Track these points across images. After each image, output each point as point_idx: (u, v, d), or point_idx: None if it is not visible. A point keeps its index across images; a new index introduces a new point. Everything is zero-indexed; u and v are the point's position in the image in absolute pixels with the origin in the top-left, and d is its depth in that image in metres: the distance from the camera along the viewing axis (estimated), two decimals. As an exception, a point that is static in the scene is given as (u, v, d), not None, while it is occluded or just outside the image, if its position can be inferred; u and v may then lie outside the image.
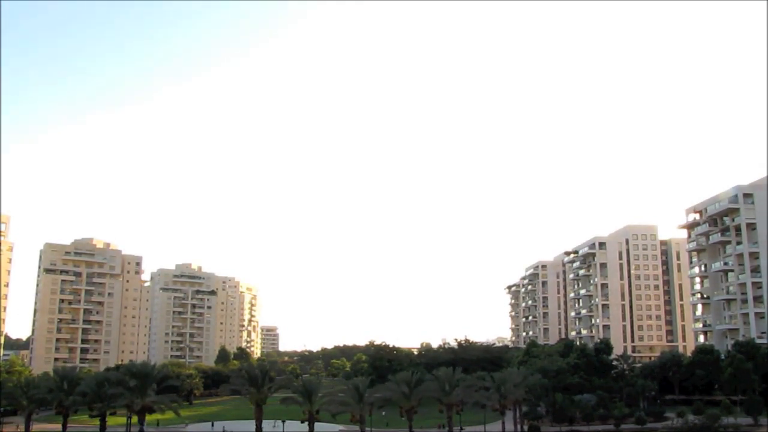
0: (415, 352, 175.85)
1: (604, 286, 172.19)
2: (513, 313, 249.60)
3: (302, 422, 69.42)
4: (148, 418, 74.54)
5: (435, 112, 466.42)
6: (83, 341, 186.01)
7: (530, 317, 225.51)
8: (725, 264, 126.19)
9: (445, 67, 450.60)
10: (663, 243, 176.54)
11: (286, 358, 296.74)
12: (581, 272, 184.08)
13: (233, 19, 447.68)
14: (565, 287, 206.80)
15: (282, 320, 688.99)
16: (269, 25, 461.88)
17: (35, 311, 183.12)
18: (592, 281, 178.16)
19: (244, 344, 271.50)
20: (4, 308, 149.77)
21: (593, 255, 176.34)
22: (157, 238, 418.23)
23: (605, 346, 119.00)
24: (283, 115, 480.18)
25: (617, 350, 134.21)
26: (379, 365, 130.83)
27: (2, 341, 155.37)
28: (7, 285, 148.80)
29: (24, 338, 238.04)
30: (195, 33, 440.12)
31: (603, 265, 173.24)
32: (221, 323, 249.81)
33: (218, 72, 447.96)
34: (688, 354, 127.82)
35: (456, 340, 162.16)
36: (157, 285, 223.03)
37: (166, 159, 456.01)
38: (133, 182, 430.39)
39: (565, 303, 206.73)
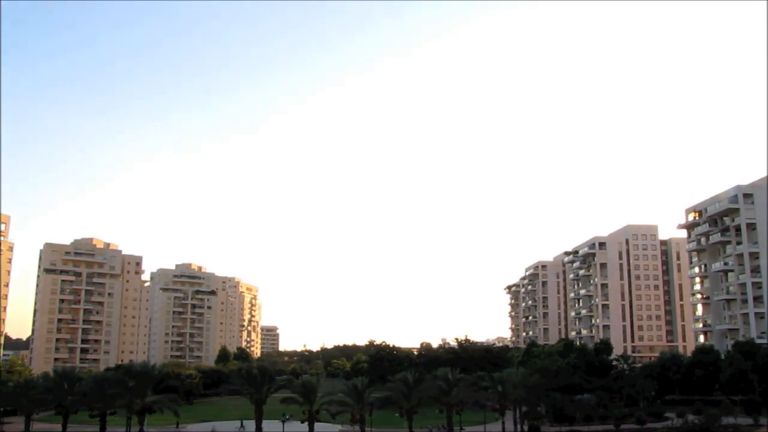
0: (415, 352, 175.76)
1: (604, 286, 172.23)
2: (513, 313, 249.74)
3: (302, 422, 69.45)
4: (149, 418, 74.45)
5: (435, 113, 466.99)
6: (83, 341, 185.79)
7: (530, 317, 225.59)
8: (725, 264, 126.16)
9: (445, 67, 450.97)
10: (663, 243, 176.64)
11: (286, 358, 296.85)
12: (581, 272, 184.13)
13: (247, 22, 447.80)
14: (565, 287, 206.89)
15: (282, 320, 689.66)
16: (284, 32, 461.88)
17: (35, 311, 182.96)
18: (592, 281, 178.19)
19: (244, 344, 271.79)
20: (4, 308, 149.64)
21: (593, 255, 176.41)
22: (157, 238, 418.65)
23: (605, 346, 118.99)
24: (282, 115, 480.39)
25: (617, 350, 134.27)
26: (379, 365, 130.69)
27: (2, 341, 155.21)
28: (7, 285, 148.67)
29: (24, 338, 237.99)
30: (209, 32, 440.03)
31: (603, 265, 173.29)
32: (221, 323, 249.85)
33: (217, 74, 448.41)
34: (688, 354, 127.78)
35: (456, 340, 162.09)
36: (157, 285, 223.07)
37: (165, 158, 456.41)
38: (133, 182, 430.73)
39: (565, 303, 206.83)
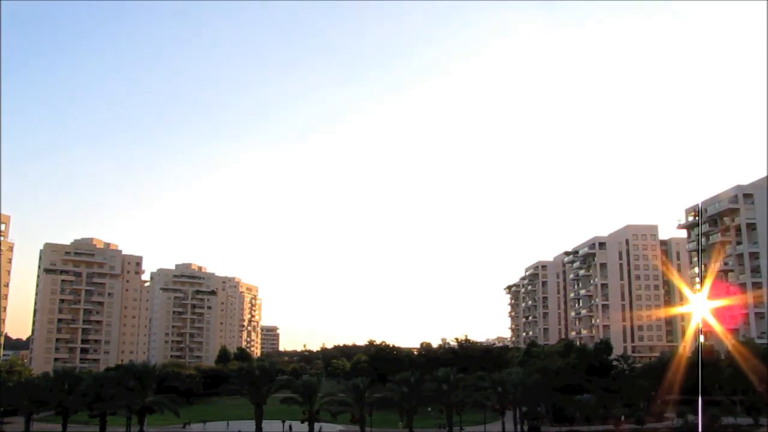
0: (415, 352, 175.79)
1: (604, 286, 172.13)
2: (513, 313, 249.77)
3: (302, 422, 69.55)
4: (149, 418, 74.50)
5: (434, 113, 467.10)
6: (83, 341, 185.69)
7: (530, 317, 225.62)
8: (725, 264, 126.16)
9: (444, 67, 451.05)
10: (663, 243, 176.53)
11: (286, 358, 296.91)
12: (581, 272, 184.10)
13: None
14: (565, 287, 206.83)
15: (282, 320, 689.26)
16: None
17: (35, 311, 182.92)
18: (592, 281, 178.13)
19: (244, 344, 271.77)
20: (4, 308, 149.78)
21: (593, 255, 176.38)
22: (157, 238, 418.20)
23: (605, 346, 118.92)
24: (281, 115, 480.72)
25: (617, 350, 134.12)
26: (379, 365, 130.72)
27: (2, 341, 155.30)
28: (7, 285, 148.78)
29: (24, 338, 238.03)
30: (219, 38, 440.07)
31: (603, 265, 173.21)
32: (221, 323, 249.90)
33: (218, 75, 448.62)
34: (688, 354, 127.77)
35: (456, 340, 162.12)
36: (157, 285, 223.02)
37: (165, 158, 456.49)
38: (133, 181, 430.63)
39: (565, 303, 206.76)
